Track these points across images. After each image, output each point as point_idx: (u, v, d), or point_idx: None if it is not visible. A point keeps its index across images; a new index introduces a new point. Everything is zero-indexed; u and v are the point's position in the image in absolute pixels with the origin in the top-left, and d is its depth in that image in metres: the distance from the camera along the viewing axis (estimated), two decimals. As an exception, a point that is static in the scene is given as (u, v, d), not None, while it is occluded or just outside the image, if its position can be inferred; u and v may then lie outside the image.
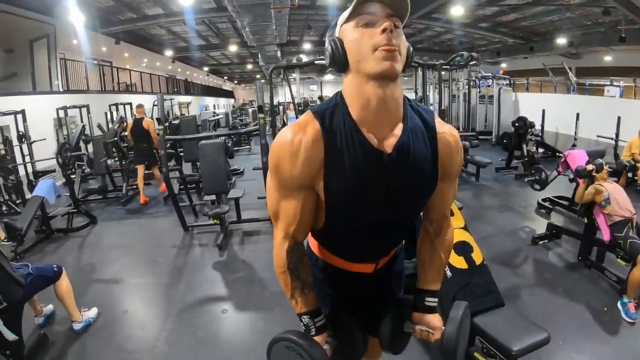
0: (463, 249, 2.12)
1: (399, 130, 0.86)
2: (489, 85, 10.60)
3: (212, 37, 15.41)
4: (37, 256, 4.16)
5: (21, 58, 9.35)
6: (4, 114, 6.60)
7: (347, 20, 0.83)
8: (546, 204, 4.55)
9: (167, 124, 8.91)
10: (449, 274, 2.04)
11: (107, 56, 13.45)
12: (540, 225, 3.98)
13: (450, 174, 0.95)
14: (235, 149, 9.69)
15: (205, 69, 25.13)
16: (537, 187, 4.32)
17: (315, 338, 0.96)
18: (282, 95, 17.74)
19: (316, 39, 15.17)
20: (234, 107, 23.04)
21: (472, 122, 10.30)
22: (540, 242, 3.59)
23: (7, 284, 2.24)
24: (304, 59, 9.63)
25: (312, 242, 1.13)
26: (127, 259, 3.96)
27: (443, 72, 6.68)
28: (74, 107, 8.91)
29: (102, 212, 5.74)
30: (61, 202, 5.28)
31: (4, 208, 5.88)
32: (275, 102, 5.85)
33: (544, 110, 8.26)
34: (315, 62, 6.32)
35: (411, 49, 0.87)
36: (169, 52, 16.31)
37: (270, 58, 13.97)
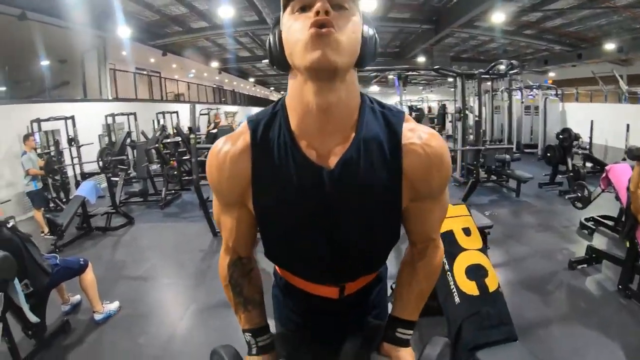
0: (476, 273, 1.95)
1: (349, 142, 0.71)
2: (530, 95, 10.08)
3: (256, 49, 15.84)
4: (75, 250, 4.46)
5: (73, 68, 10.17)
6: (56, 118, 7.16)
7: (284, 6, 0.68)
8: (589, 223, 4.18)
9: (208, 132, 9.41)
10: (457, 299, 1.89)
11: (156, 67, 14.21)
12: (581, 248, 3.66)
13: (429, 193, 0.76)
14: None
15: (252, 79, 25.79)
16: (579, 205, 4.01)
17: (254, 358, 0.87)
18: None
19: None
20: None
21: (517, 134, 9.86)
22: (578, 267, 3.28)
23: (35, 272, 2.45)
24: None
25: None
26: (157, 259, 4.13)
27: (484, 82, 6.44)
28: (122, 114, 9.50)
29: (140, 214, 6.04)
30: (104, 202, 5.60)
31: (52, 205, 6.36)
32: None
33: (592, 122, 7.70)
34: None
35: (374, 36, 0.71)
36: (215, 64, 16.86)
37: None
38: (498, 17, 9.02)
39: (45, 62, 8.94)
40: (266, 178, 0.74)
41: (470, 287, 1.89)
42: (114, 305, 2.95)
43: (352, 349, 0.89)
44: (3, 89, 8.38)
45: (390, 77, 14.29)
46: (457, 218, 2.19)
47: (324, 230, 0.76)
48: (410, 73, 9.26)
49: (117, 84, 11.14)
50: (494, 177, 6.42)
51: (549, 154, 6.25)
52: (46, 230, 4.88)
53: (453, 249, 2.04)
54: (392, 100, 18.22)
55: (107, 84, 10.49)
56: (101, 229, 5.14)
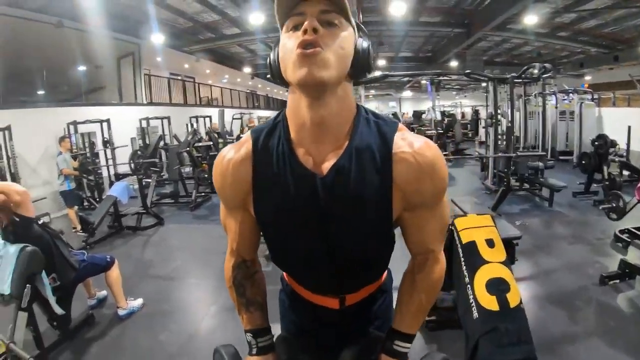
0: (498, 287, 1.86)
1: (342, 150, 0.74)
2: (564, 99, 9.64)
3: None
4: (106, 248, 4.64)
5: (110, 73, 10.62)
6: (92, 121, 7.51)
7: (280, 25, 0.73)
8: (624, 236, 3.93)
9: (238, 136, 9.60)
10: (475, 314, 1.81)
11: (190, 72, 14.62)
12: (613, 262, 3.44)
13: (422, 202, 0.76)
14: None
15: (367, 75, 26.10)
16: (614, 216, 3.78)
17: (253, 358, 0.89)
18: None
19: (391, 54, 14.99)
20: None
21: (551, 140, 9.47)
22: (610, 282, 3.08)
23: (63, 267, 2.58)
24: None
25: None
26: (184, 259, 4.22)
27: (516, 87, 6.25)
28: (156, 118, 9.84)
29: (171, 215, 6.23)
30: (135, 202, 5.79)
31: (85, 203, 6.67)
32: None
33: (629, 127, 7.27)
34: (380, 78, 6.30)
35: (367, 49, 0.73)
36: (247, 69, 17.12)
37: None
38: (530, 19, 8.74)
39: (82, 68, 9.42)
40: (265, 184, 0.78)
41: (489, 302, 1.81)
42: (138, 302, 3.04)
43: (350, 358, 0.89)
44: (42, 92, 8.87)
45: (423, 82, 14.09)
46: (480, 229, 2.12)
47: (320, 237, 0.78)
48: (442, 78, 9.09)
49: (151, 88, 11.56)
50: (526, 186, 6.18)
51: (583, 162, 5.96)
52: (79, 227, 5.12)
53: (474, 261, 1.97)
54: (425, 105, 17.93)
55: (142, 89, 10.91)
56: (132, 228, 5.33)
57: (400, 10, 8.22)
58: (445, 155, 7.60)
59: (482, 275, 1.89)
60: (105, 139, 7.77)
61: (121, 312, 2.93)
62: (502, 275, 1.88)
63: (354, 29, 0.73)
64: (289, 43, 0.68)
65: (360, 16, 8.27)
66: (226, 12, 9.50)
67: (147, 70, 11.31)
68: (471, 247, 2.03)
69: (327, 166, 0.74)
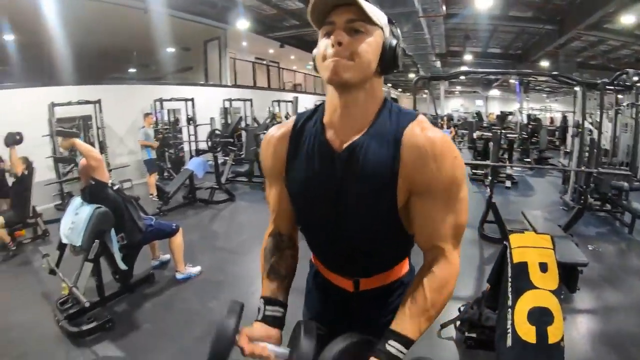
0: (540, 317, 1.70)
1: (361, 134, 0.84)
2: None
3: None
4: (178, 216, 5.10)
5: (196, 55, 11.37)
6: (177, 99, 8.18)
7: (317, 29, 0.84)
8: None
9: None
10: (509, 341, 1.68)
11: (275, 57, 15.03)
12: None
13: (427, 188, 0.80)
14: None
15: (395, 70, 25.94)
16: None
17: (257, 323, 0.89)
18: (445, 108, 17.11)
19: (479, 49, 13.99)
20: None
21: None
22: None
23: (131, 228, 2.91)
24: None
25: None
26: (248, 235, 4.44)
27: (608, 94, 5.51)
28: (239, 100, 10.40)
29: (243, 193, 6.62)
30: (211, 178, 6.22)
31: (165, 174, 7.35)
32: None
33: None
34: (464, 74, 5.96)
35: (394, 48, 0.82)
36: None
37: (430, 68, 13.68)
38: (628, 19, 7.61)
39: (170, 49, 10.23)
40: (297, 158, 0.90)
41: (527, 332, 1.67)
42: (196, 269, 3.31)
43: (338, 345, 0.81)
44: (132, 70, 9.83)
45: (512, 81, 13.07)
46: (536, 249, 1.95)
47: (335, 210, 0.87)
48: (530, 78, 8.36)
49: (236, 71, 12.09)
50: (607, 207, 5.45)
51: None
52: (155, 194, 5.67)
53: (522, 284, 1.83)
54: (513, 106, 16.63)
55: (227, 71, 11.49)
56: (204, 201, 5.77)
57: (486, 3, 7.69)
58: (527, 162, 6.97)
59: (526, 301, 1.75)
60: (189, 117, 8.42)
61: (179, 275, 3.22)
62: (548, 305, 1.72)
63: (382, 29, 0.81)
64: (322, 47, 0.80)
65: (444, 7, 7.89)
66: (310, -1, 9.66)
67: (233, 53, 11.84)
68: (521, 268, 1.88)
69: (346, 145, 0.84)
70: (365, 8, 0.75)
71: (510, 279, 1.89)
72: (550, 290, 1.78)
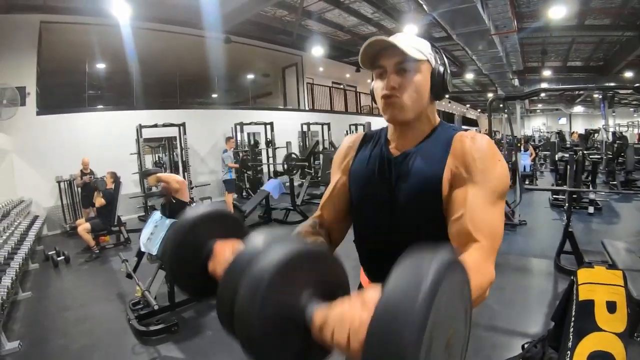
0: None
1: (417, 144, 0.93)
2: None
3: (449, 65, 15.50)
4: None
5: (275, 81, 12.08)
6: (256, 123, 8.75)
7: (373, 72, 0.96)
8: None
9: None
10: None
11: (352, 81, 15.35)
12: None
13: (467, 174, 0.84)
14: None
15: (447, 95, 25.14)
16: None
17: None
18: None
19: (558, 64, 13.00)
20: None
21: None
22: None
23: None
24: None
25: (361, 273, 1.12)
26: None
27: None
28: (316, 123, 10.76)
29: (318, 214, 6.80)
30: (287, 199, 6.48)
31: (244, 194, 7.83)
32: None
33: None
34: (538, 93, 5.63)
35: (442, 74, 0.90)
36: None
37: (508, 86, 13.03)
38: None
39: (250, 76, 11.00)
40: (362, 157, 1.01)
41: None
42: None
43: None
44: (215, 96, 10.72)
45: (596, 96, 11.80)
46: (605, 287, 1.77)
47: (386, 208, 0.93)
48: (616, 92, 7.47)
49: (314, 96, 12.61)
50: None
51: None
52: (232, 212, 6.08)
53: (586, 324, 1.67)
54: (598, 123, 15.00)
55: (305, 96, 12.06)
56: (279, 221, 6.04)
57: (559, 14, 7.13)
58: (612, 186, 6.15)
59: (588, 344, 1.59)
60: (268, 140, 8.94)
61: None
62: (612, 350, 1.54)
63: (428, 60, 0.89)
64: (377, 88, 0.91)
65: (515, 23, 7.47)
66: (382, 24, 9.80)
67: (310, 78, 12.38)
68: (587, 306, 1.72)
69: (401, 152, 0.94)
70: (407, 52, 0.84)
71: (573, 318, 1.74)
72: (616, 333, 1.59)
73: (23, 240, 3.99)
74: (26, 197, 6.10)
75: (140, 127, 7.18)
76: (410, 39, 0.89)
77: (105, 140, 7.08)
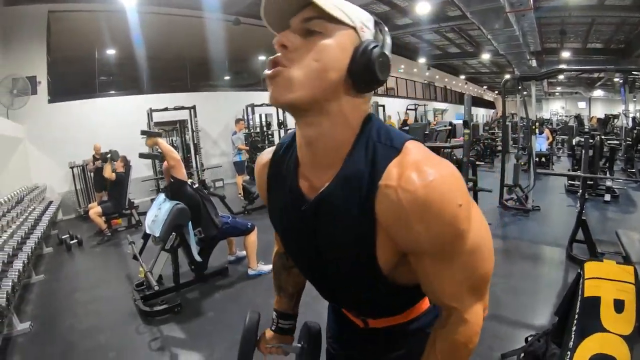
0: None
1: (332, 177, 0.65)
2: None
3: (465, 45, 15.04)
4: (261, 216, 5.35)
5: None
6: (268, 105, 8.56)
7: None
8: None
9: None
10: None
11: (367, 61, 15.15)
12: None
13: (418, 248, 0.61)
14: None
15: (462, 77, 24.38)
16: None
17: (269, 332, 1.02)
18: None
19: (578, 45, 12.40)
20: (490, 119, 22.13)
21: None
22: None
23: (207, 224, 3.20)
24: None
25: None
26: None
27: None
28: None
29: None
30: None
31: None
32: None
33: None
34: (555, 74, 5.41)
35: (368, 54, 0.59)
36: (422, 59, 16.77)
37: (525, 67, 12.59)
38: None
39: (262, 58, 10.85)
40: (275, 191, 0.77)
41: None
42: (267, 268, 3.48)
43: None
44: (227, 78, 10.67)
45: (617, 80, 11.31)
46: (613, 283, 1.67)
47: (315, 261, 0.74)
48: (635, 75, 7.13)
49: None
50: None
51: None
52: (242, 193, 6.13)
53: (589, 323, 1.58)
54: (618, 108, 14.46)
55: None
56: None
57: None
58: (630, 172, 5.88)
59: (590, 346, 1.51)
60: (280, 121, 8.91)
61: (250, 271, 3.43)
62: (616, 354, 1.45)
63: (355, 30, 0.60)
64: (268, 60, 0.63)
65: (531, 1, 7.11)
66: (395, 2, 9.51)
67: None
68: (592, 304, 1.64)
69: (315, 194, 0.66)
70: (322, 6, 0.57)
71: (576, 316, 1.66)
72: (622, 335, 1.50)
73: (36, 225, 4.09)
74: (40, 183, 6.24)
75: (151, 110, 7.26)
76: (340, 1, 0.60)
77: (117, 125, 7.17)
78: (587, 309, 1.64)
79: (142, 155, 3.67)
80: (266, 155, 0.80)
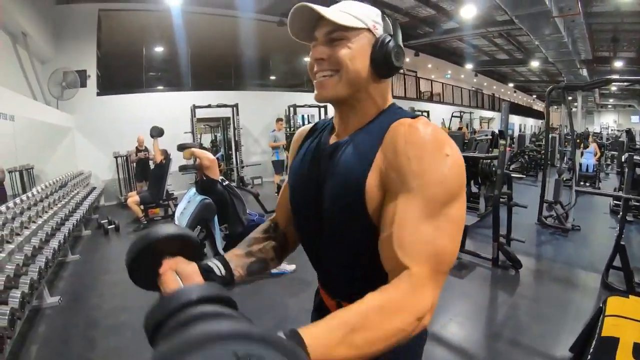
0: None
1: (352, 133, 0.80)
2: None
3: (514, 51, 14.41)
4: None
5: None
6: (310, 106, 8.83)
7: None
8: None
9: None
10: None
11: (412, 66, 14.72)
12: None
13: (399, 179, 0.65)
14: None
15: (511, 84, 23.46)
16: None
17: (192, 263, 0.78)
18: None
19: (632, 54, 11.42)
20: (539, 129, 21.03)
21: None
22: None
23: (234, 221, 3.24)
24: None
25: None
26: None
27: None
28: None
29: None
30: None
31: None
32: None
33: None
34: (601, 84, 5.10)
35: (385, 47, 0.73)
36: (469, 65, 16.34)
37: (574, 77, 11.91)
38: None
39: (306, 59, 10.94)
40: (300, 153, 0.90)
41: None
42: (290, 267, 3.54)
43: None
44: (271, 78, 10.86)
45: None
46: (636, 323, 1.55)
47: (313, 210, 0.81)
48: None
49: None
50: None
51: None
52: (275, 191, 6.25)
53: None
54: None
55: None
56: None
57: None
58: None
59: None
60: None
61: (273, 270, 3.47)
62: None
63: (369, 29, 0.75)
64: (309, 66, 0.80)
65: (579, 6, 6.67)
66: (441, 5, 9.28)
67: (367, 62, 12.19)
68: (610, 345, 1.49)
69: (332, 142, 0.83)
70: (333, 19, 0.71)
71: (589, 356, 1.51)
72: None
73: (77, 209, 4.39)
74: (86, 170, 6.67)
75: (194, 107, 7.55)
76: (348, 5, 0.75)
77: (161, 119, 7.43)
78: (602, 350, 1.50)
79: (182, 168, 3.82)
80: (309, 125, 0.98)
